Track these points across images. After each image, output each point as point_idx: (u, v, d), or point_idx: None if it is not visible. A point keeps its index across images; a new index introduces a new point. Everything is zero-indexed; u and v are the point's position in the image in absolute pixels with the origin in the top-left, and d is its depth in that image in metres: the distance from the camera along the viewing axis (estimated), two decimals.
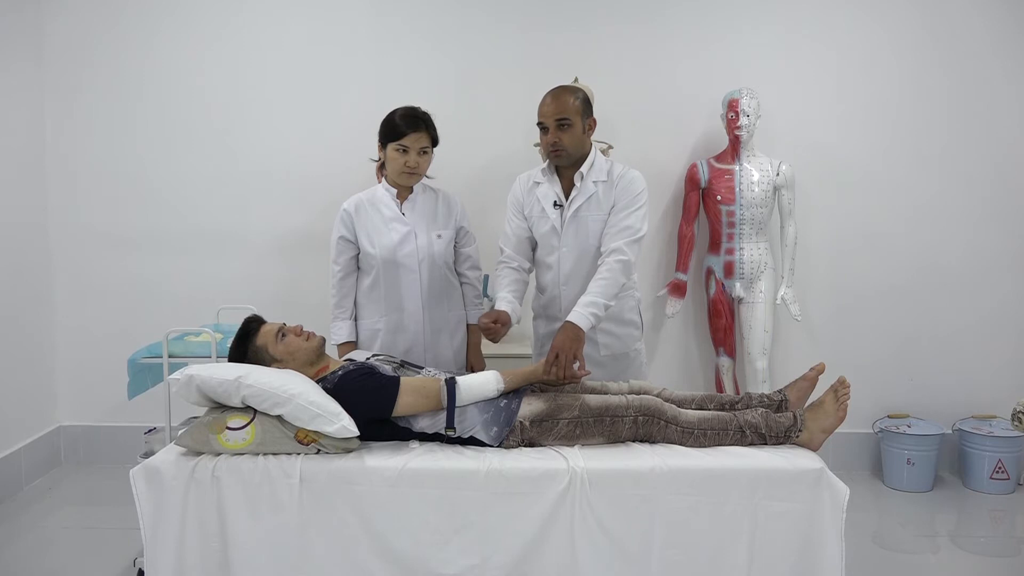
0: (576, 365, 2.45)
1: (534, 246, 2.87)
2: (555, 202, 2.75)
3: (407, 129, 2.77)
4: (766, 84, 3.73)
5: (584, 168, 2.70)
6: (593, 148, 2.75)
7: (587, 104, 2.69)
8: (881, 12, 3.83)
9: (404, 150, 2.79)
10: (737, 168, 3.64)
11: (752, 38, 3.84)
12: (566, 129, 2.63)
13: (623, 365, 2.84)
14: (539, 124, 2.69)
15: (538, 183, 2.80)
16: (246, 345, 2.44)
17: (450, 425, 2.32)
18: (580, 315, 2.49)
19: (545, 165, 2.80)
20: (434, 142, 2.85)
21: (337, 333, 2.94)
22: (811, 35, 3.84)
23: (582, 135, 2.67)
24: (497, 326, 2.57)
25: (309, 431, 2.22)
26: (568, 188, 2.75)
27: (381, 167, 2.99)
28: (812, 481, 2.19)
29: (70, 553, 3.10)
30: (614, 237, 2.63)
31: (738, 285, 3.68)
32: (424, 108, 2.85)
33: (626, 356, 2.86)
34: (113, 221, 3.94)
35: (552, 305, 2.84)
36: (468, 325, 3.04)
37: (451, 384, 2.33)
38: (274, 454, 2.23)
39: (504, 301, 2.73)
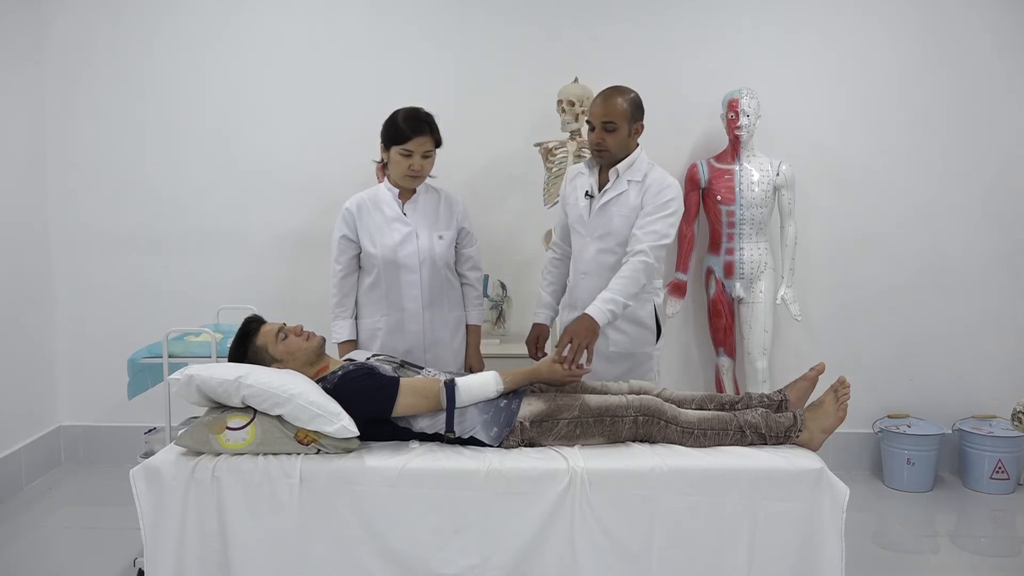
0: (584, 357, 2.46)
1: None
2: (587, 192, 2.81)
3: (411, 133, 2.76)
4: (766, 84, 3.73)
5: (621, 167, 2.75)
6: (639, 149, 2.79)
7: (637, 107, 2.74)
8: (881, 12, 3.82)
9: (408, 154, 2.78)
10: (737, 168, 3.64)
11: (752, 38, 3.84)
12: (611, 132, 2.70)
13: (629, 365, 2.84)
14: (587, 121, 2.76)
15: (582, 173, 2.88)
16: (246, 345, 2.44)
17: (449, 428, 2.32)
18: (598, 309, 2.53)
19: (590, 157, 2.88)
20: (437, 144, 2.84)
21: (338, 332, 2.94)
22: (811, 35, 3.84)
23: (627, 138, 2.73)
24: (541, 344, 2.94)
25: (309, 431, 2.22)
26: (605, 182, 2.81)
27: (383, 167, 2.98)
28: (812, 481, 2.19)
29: (70, 553, 3.10)
30: (641, 239, 2.66)
31: (738, 285, 3.67)
32: (426, 108, 2.84)
33: (633, 356, 2.85)
34: (113, 221, 3.94)
35: (573, 294, 2.91)
36: (467, 325, 3.04)
37: (450, 386, 2.33)
38: (274, 454, 2.23)
39: (544, 308, 2.97)
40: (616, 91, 2.74)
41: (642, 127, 2.78)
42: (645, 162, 2.79)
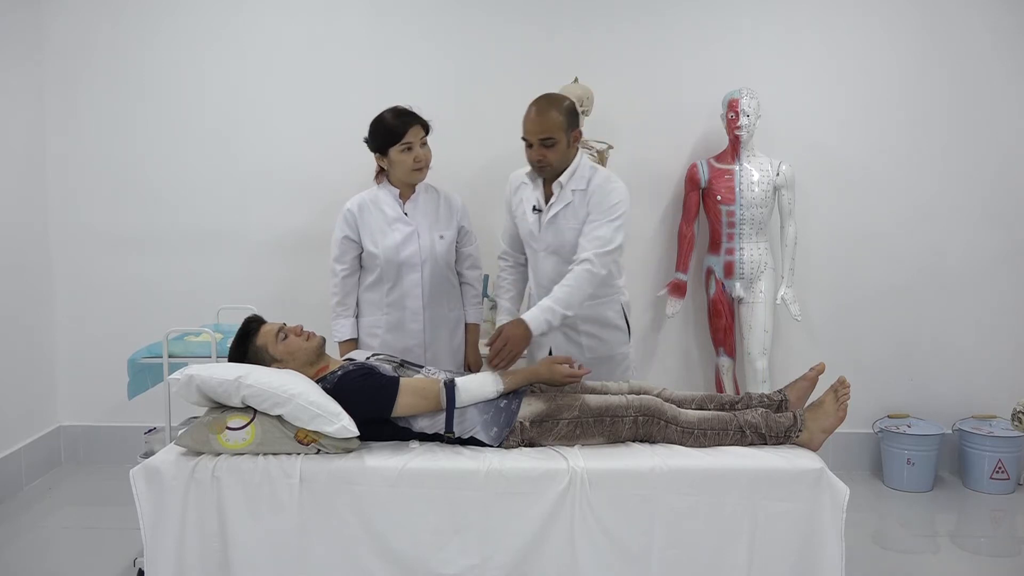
0: (577, 364, 2.47)
1: None
2: (534, 207, 2.74)
3: (403, 128, 2.78)
4: (766, 84, 3.73)
5: (563, 178, 2.68)
6: (578, 155, 2.72)
7: (572, 116, 2.65)
8: (881, 12, 3.82)
9: (409, 147, 2.80)
10: (737, 168, 3.64)
11: (752, 38, 3.83)
12: (550, 146, 2.61)
13: (608, 368, 2.83)
14: (523, 139, 2.66)
15: (525, 184, 2.80)
16: (246, 345, 2.44)
17: (449, 429, 2.32)
18: (534, 317, 2.49)
19: (531, 170, 2.78)
20: (427, 129, 2.86)
21: (339, 331, 2.95)
22: (811, 35, 3.84)
23: (567, 149, 2.65)
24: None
25: (309, 431, 2.22)
26: (550, 194, 2.74)
27: (380, 172, 2.98)
28: (812, 481, 2.20)
29: (70, 553, 3.10)
30: (585, 247, 2.60)
31: (738, 285, 3.67)
32: (420, 108, 2.86)
33: (611, 359, 2.85)
34: (113, 221, 3.94)
35: None
36: (466, 324, 3.05)
37: (450, 386, 2.34)
38: (274, 454, 2.23)
39: (505, 315, 2.84)
40: (549, 104, 2.63)
41: (580, 134, 2.70)
42: (587, 167, 2.71)
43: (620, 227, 2.63)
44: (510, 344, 2.44)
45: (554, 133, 2.59)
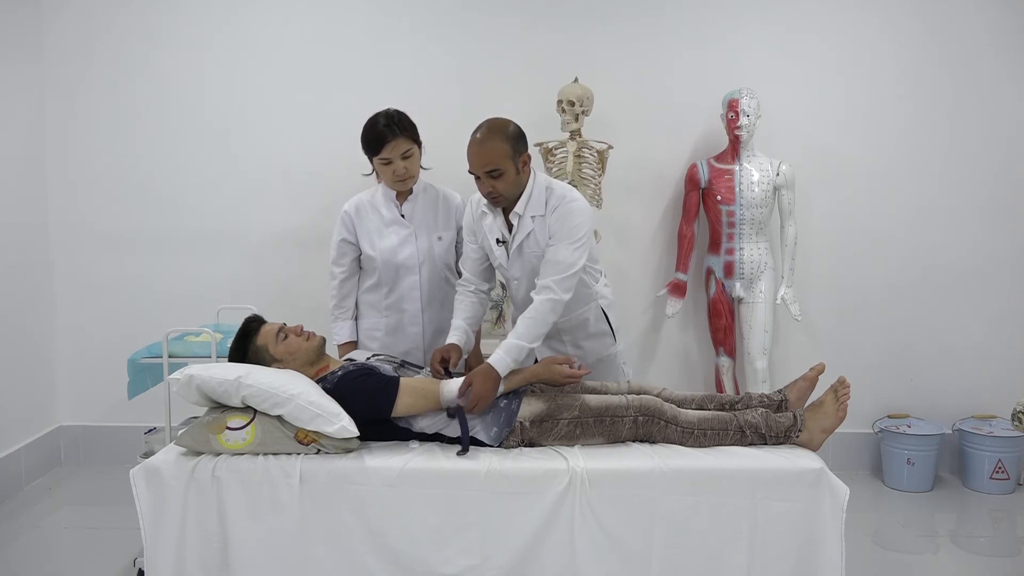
0: (576, 364, 2.47)
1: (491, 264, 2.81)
2: (498, 239, 2.65)
3: (382, 142, 2.74)
4: (766, 84, 3.73)
5: (519, 207, 2.56)
6: (531, 177, 2.58)
7: (517, 140, 2.51)
8: (881, 12, 3.82)
9: (387, 162, 2.77)
10: (737, 168, 3.64)
11: (752, 38, 3.84)
12: (498, 177, 2.48)
13: (600, 370, 2.80)
14: (470, 172, 2.53)
15: (485, 213, 2.66)
16: (246, 345, 2.44)
17: (456, 410, 2.30)
18: (500, 359, 2.40)
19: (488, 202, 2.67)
20: (415, 140, 2.80)
21: (338, 333, 2.95)
22: (811, 35, 3.84)
23: (516, 176, 2.51)
24: (448, 366, 2.49)
25: (309, 431, 2.22)
26: (511, 223, 2.64)
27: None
28: (812, 481, 2.20)
29: (70, 553, 3.10)
30: (545, 273, 2.51)
31: (738, 285, 3.67)
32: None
33: (601, 362, 2.82)
34: (113, 221, 3.94)
35: None
36: None
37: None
38: (274, 454, 2.23)
39: (457, 331, 2.66)
40: (490, 133, 2.48)
41: (529, 157, 2.55)
42: (542, 189, 2.57)
43: (581, 247, 2.52)
44: (476, 387, 2.34)
45: (500, 163, 2.46)
